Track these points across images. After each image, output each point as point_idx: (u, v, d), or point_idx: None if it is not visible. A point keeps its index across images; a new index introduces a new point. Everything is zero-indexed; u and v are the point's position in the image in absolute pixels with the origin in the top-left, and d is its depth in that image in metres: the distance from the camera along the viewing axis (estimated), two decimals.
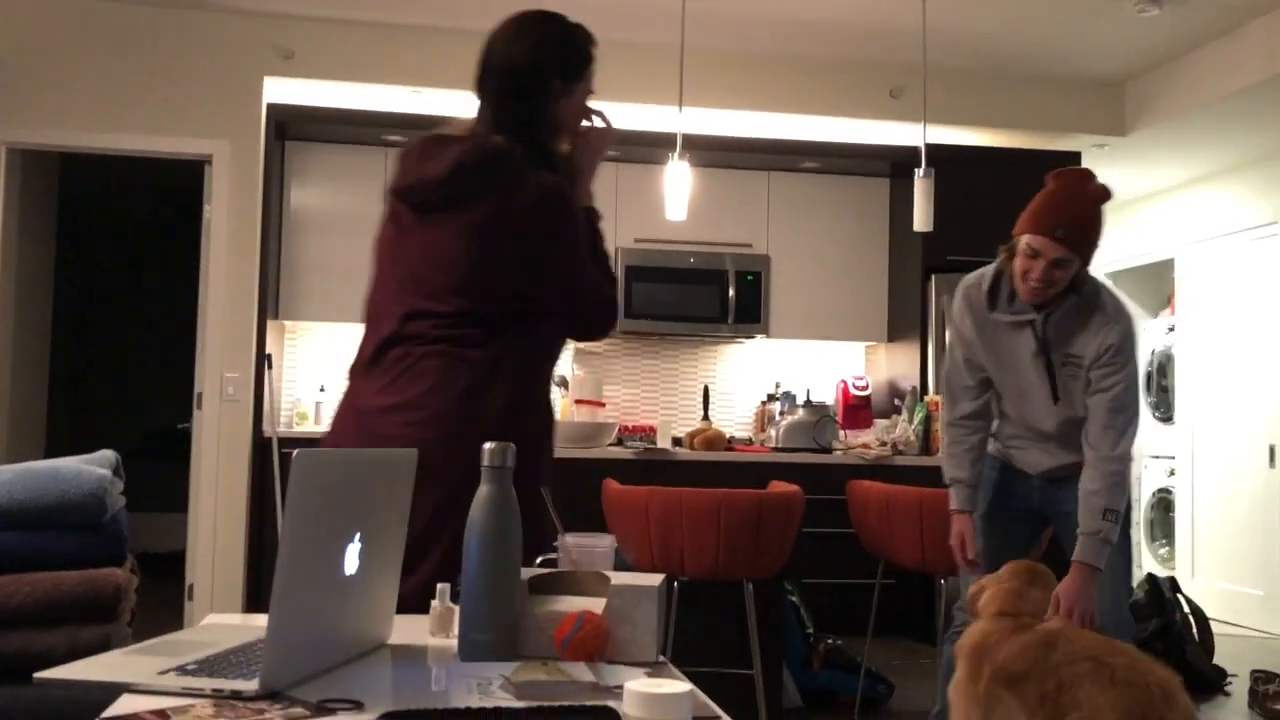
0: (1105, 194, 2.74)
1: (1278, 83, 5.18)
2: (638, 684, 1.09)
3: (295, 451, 1.22)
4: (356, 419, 2.00)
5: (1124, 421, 2.78)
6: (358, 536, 1.40)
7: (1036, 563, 2.47)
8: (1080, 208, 2.69)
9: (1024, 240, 2.72)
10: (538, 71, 2.02)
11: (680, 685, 1.09)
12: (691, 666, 3.30)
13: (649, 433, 5.72)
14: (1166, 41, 5.51)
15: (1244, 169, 6.71)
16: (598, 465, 3.98)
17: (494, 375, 1.95)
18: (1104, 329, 2.76)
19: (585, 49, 2.08)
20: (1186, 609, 5.08)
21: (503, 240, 1.95)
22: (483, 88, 2.05)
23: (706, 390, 6.17)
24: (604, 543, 1.73)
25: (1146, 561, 7.60)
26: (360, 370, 2.05)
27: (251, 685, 1.22)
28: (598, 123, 2.14)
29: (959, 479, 3.02)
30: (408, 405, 1.94)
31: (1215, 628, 5.18)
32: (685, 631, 3.73)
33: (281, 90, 5.64)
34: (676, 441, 5.84)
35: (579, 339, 2.11)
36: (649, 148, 6.00)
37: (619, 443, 4.97)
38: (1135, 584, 5.43)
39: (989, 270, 2.93)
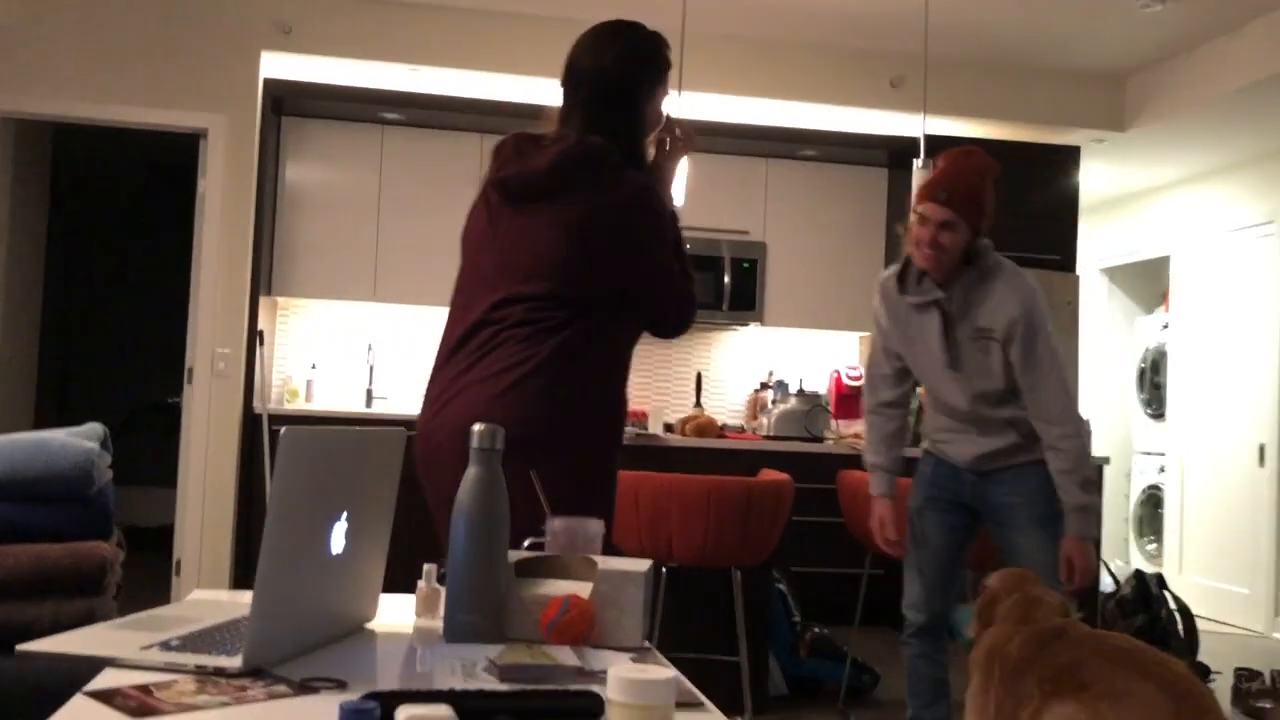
0: (990, 165, 2.89)
1: (1278, 82, 5.17)
2: (622, 669, 1.09)
3: (283, 429, 1.21)
4: (440, 398, 2.11)
5: (1058, 389, 2.84)
6: (344, 516, 1.39)
7: (1024, 570, 2.45)
8: (964, 176, 2.85)
9: (915, 209, 2.87)
10: (628, 78, 2.15)
11: (664, 671, 1.09)
12: (677, 652, 3.30)
13: (641, 418, 5.71)
14: (1169, 37, 5.49)
15: (1242, 167, 6.71)
16: None
17: (573, 358, 2.04)
18: (1006, 300, 2.85)
19: (664, 55, 2.21)
20: (1172, 605, 5.10)
21: (597, 232, 2.05)
22: (574, 94, 2.16)
23: (699, 377, 6.16)
24: (592, 527, 1.73)
25: (1134, 557, 7.62)
26: (444, 355, 2.14)
27: (235, 662, 1.21)
28: (678, 131, 2.27)
29: (877, 464, 3.15)
30: (488, 380, 2.03)
31: (1200, 625, 5.20)
32: (672, 617, 3.73)
33: (279, 65, 5.60)
34: (668, 428, 5.84)
35: (658, 332, 2.18)
36: None
37: None
38: (1123, 580, 5.45)
39: (902, 259, 3.05)
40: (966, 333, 2.90)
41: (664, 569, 3.68)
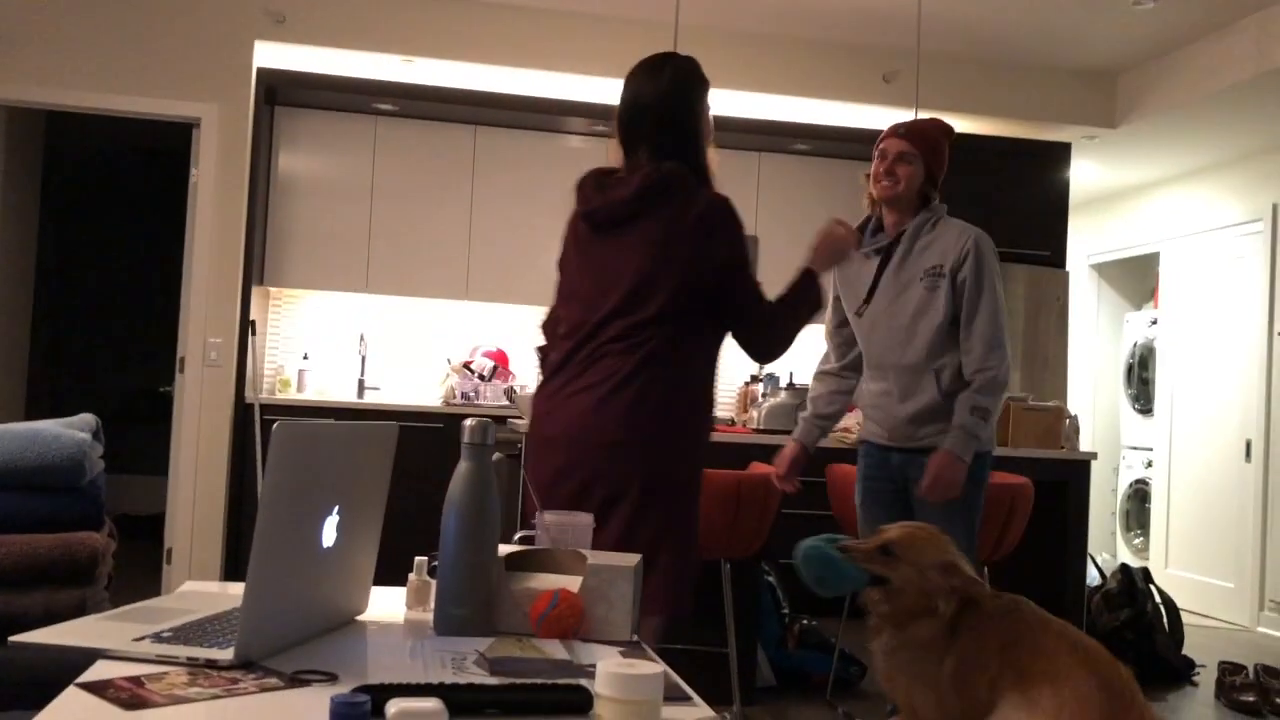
0: (949, 130, 3.07)
1: (1268, 80, 5.19)
2: (610, 664, 1.10)
3: (275, 423, 1.22)
4: (548, 409, 2.33)
5: (993, 320, 2.91)
6: (336, 510, 1.40)
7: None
8: (924, 125, 3.04)
9: (876, 149, 3.03)
10: (681, 104, 2.37)
11: (652, 666, 1.11)
12: (667, 644, 3.32)
13: None
14: (1160, 35, 5.51)
15: (1231, 165, 6.73)
16: None
17: (663, 367, 2.27)
18: (959, 238, 2.96)
19: (703, 74, 2.43)
20: (1158, 599, 5.14)
21: (680, 243, 2.28)
22: (636, 128, 2.37)
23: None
24: (583, 521, 1.75)
25: (1121, 551, 7.67)
26: (550, 371, 2.38)
27: (226, 655, 1.22)
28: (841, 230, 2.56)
29: (803, 414, 3.27)
30: (589, 390, 2.27)
31: (1186, 619, 5.24)
32: None
33: (272, 55, 5.60)
34: None
35: (751, 353, 2.40)
36: None
37: None
38: (1109, 574, 5.48)
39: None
40: (915, 274, 2.99)
41: None
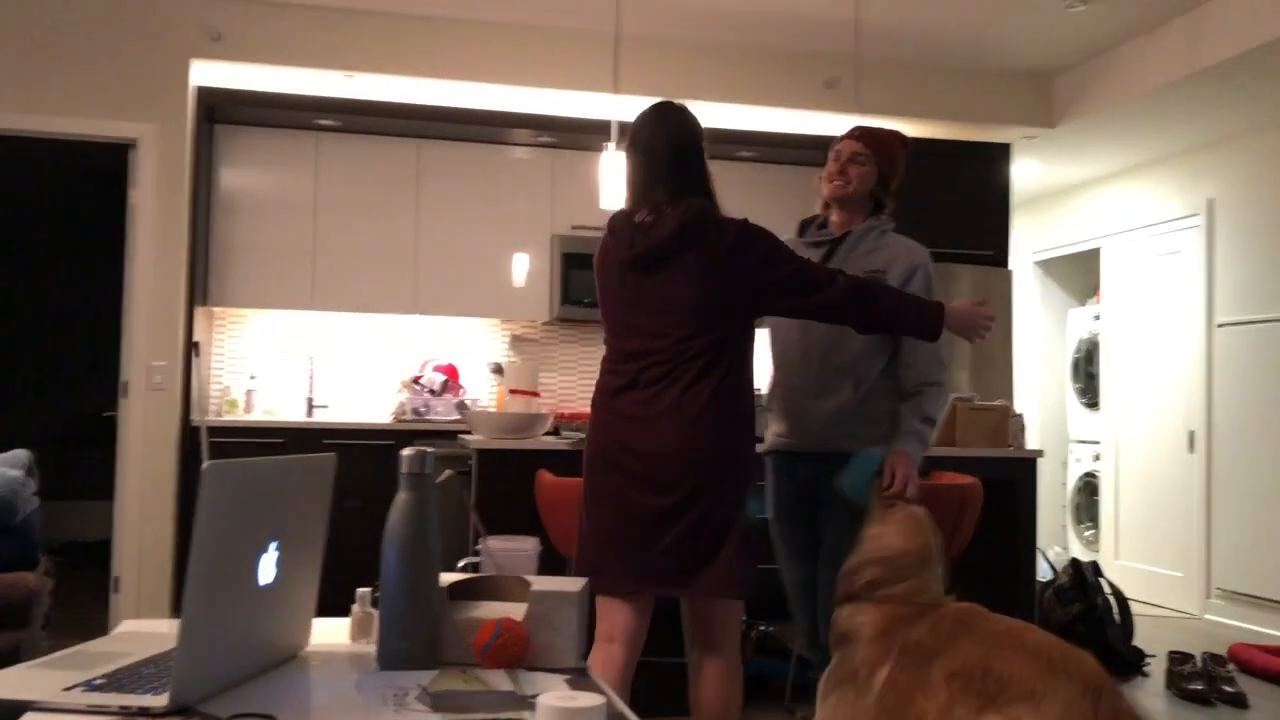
0: (906, 141, 3.08)
1: (1198, 79, 5.29)
2: (550, 697, 1.10)
3: (205, 464, 1.20)
4: (612, 423, 2.60)
5: (938, 349, 2.95)
6: (273, 545, 1.38)
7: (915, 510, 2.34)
8: (878, 130, 3.06)
9: (830, 151, 3.05)
10: (692, 141, 2.66)
11: (593, 698, 1.10)
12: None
13: (585, 420, 5.71)
14: (1093, 37, 5.60)
15: (1167, 162, 6.86)
16: (532, 456, 3.97)
17: (716, 387, 2.54)
18: (905, 253, 2.98)
19: (696, 119, 2.72)
20: (1108, 592, 5.21)
21: (718, 271, 2.56)
22: (651, 170, 2.63)
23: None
24: (528, 546, 1.74)
25: (1072, 544, 7.77)
26: (611, 393, 2.64)
27: (161, 701, 1.20)
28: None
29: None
30: (679, 408, 2.52)
31: (1136, 608, 5.32)
32: None
33: (210, 73, 5.52)
34: None
35: (842, 319, 2.64)
36: (584, 134, 5.98)
37: (555, 432, 4.96)
38: (1060, 569, 5.55)
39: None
40: (855, 273, 2.90)
41: None
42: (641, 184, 2.66)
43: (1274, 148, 6.05)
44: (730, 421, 2.57)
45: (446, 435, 5.54)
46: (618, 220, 2.70)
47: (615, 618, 2.61)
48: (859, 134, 3.03)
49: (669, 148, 2.64)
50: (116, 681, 1.28)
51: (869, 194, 3.03)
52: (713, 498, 2.53)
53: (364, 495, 5.16)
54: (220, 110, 5.69)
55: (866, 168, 2.99)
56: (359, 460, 5.41)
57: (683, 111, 2.70)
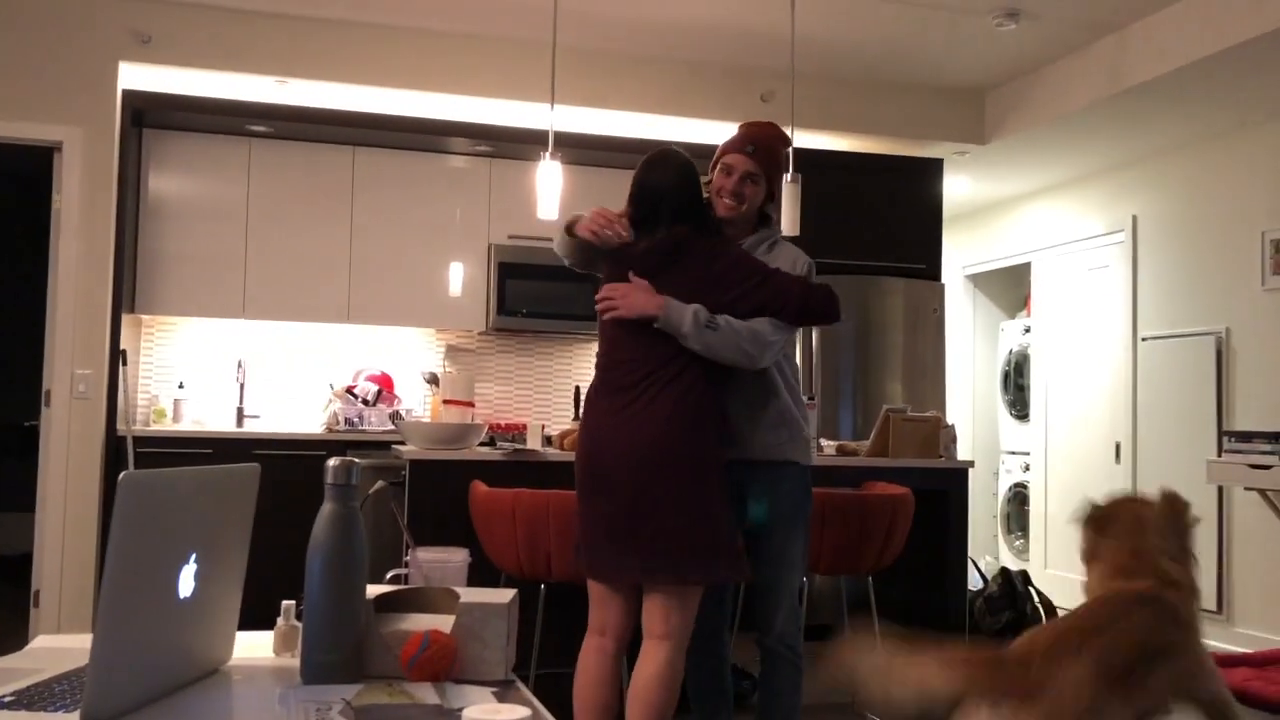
0: (787, 139, 3.07)
1: (1124, 98, 5.42)
2: (476, 710, 1.09)
3: (120, 475, 1.18)
4: (594, 423, 2.80)
5: (782, 334, 2.88)
6: (193, 558, 1.35)
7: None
8: (768, 138, 3.02)
9: (720, 160, 3.00)
10: (692, 184, 2.91)
11: (519, 710, 1.09)
12: (562, 668, 3.28)
13: (520, 431, 5.69)
14: (1023, 55, 5.72)
15: (1094, 178, 7.02)
16: (467, 467, 3.94)
17: (695, 398, 2.75)
18: (796, 259, 3.00)
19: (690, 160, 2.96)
20: (1037, 600, 5.30)
21: (712, 290, 2.79)
22: (653, 212, 2.88)
23: (578, 390, 6.16)
24: (457, 557, 1.72)
25: (1004, 554, 7.90)
26: (606, 397, 2.81)
27: (72, 718, 1.17)
28: None
29: None
30: (663, 415, 2.72)
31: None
32: (555, 634, 3.72)
33: (138, 76, 5.42)
34: (547, 441, 5.83)
35: (794, 316, 2.84)
36: (521, 144, 5.96)
37: (490, 442, 4.93)
38: (990, 577, 5.64)
39: None
40: None
41: (544, 586, 3.67)
42: (644, 221, 2.90)
43: (1194, 166, 6.22)
44: (699, 421, 2.74)
45: (380, 445, 5.48)
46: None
47: (604, 610, 2.82)
48: (751, 150, 2.96)
49: (672, 194, 2.89)
50: (26, 698, 1.24)
51: (758, 209, 3.04)
52: (687, 492, 2.70)
53: (295, 506, 5.08)
54: (149, 114, 5.58)
55: (759, 186, 2.97)
56: (291, 470, 5.32)
57: (683, 157, 2.95)
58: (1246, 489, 5.56)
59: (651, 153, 2.98)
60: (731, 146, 2.99)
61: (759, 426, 2.98)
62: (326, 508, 1.46)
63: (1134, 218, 6.65)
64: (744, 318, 2.80)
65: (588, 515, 2.81)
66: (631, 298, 2.80)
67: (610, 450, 2.74)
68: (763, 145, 2.97)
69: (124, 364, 5.38)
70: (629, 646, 2.86)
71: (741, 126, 3.06)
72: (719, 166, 2.99)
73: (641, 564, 2.71)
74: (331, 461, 1.46)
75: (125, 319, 5.47)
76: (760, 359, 2.81)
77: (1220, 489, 5.88)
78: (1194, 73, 5.04)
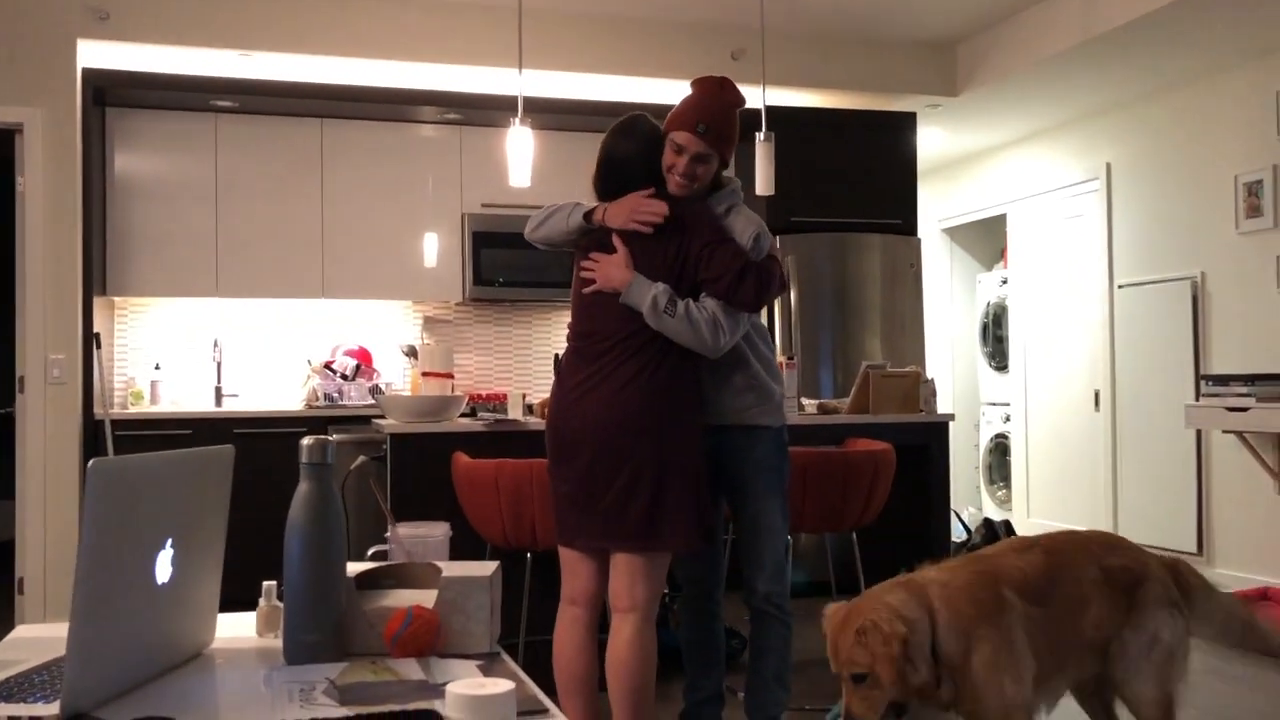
0: (740, 100, 2.95)
1: (1093, 46, 5.41)
2: (459, 685, 1.08)
3: (90, 461, 1.16)
4: (562, 394, 2.85)
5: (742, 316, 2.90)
6: (169, 543, 1.34)
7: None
8: (720, 109, 2.90)
9: (670, 137, 2.89)
10: (655, 153, 2.90)
11: (502, 684, 1.08)
12: (550, 635, 3.30)
13: (501, 401, 5.67)
14: (993, 5, 5.68)
15: (1067, 127, 7.01)
16: (448, 439, 3.93)
17: (677, 362, 2.80)
18: (749, 223, 2.92)
19: (658, 127, 2.95)
20: None
21: (674, 260, 2.83)
22: (618, 179, 2.91)
23: (557, 358, 6.14)
24: (438, 532, 1.71)
25: (986, 504, 7.96)
26: (580, 362, 2.84)
27: (52, 709, 1.16)
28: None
29: None
30: (628, 382, 2.75)
31: None
32: (540, 602, 3.73)
33: (98, 54, 5.32)
34: (528, 410, 5.81)
35: (733, 303, 2.81)
36: (491, 111, 5.90)
37: (471, 413, 4.92)
38: (974, 528, 5.69)
39: None
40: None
41: (530, 554, 3.68)
42: (609, 191, 2.93)
43: (1165, 113, 6.22)
44: (660, 391, 2.76)
45: (360, 420, 5.45)
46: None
47: (576, 577, 2.85)
48: (704, 130, 2.84)
49: (636, 161, 2.90)
50: (5, 690, 1.23)
51: (710, 181, 2.96)
52: (645, 460, 2.72)
53: (277, 483, 5.06)
54: (111, 93, 5.49)
55: (711, 164, 2.90)
56: (271, 448, 5.30)
57: (649, 125, 2.94)
58: (1224, 432, 5.62)
59: (618, 121, 2.97)
60: (683, 122, 2.85)
61: (725, 392, 3.00)
62: (303, 487, 1.44)
63: (1108, 165, 6.65)
64: (704, 284, 2.82)
65: (557, 482, 2.85)
66: (607, 270, 2.81)
67: (579, 418, 2.76)
68: (713, 123, 2.85)
69: (98, 347, 5.33)
70: (602, 613, 2.89)
71: (693, 86, 2.92)
72: (669, 142, 2.88)
73: (604, 529, 2.74)
74: (306, 440, 1.45)
75: (97, 301, 5.41)
76: (716, 348, 2.81)
77: (1199, 432, 5.93)
78: (1159, 20, 5.02)
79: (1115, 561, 2.47)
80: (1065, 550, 2.45)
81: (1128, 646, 2.43)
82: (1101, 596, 2.41)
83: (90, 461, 1.15)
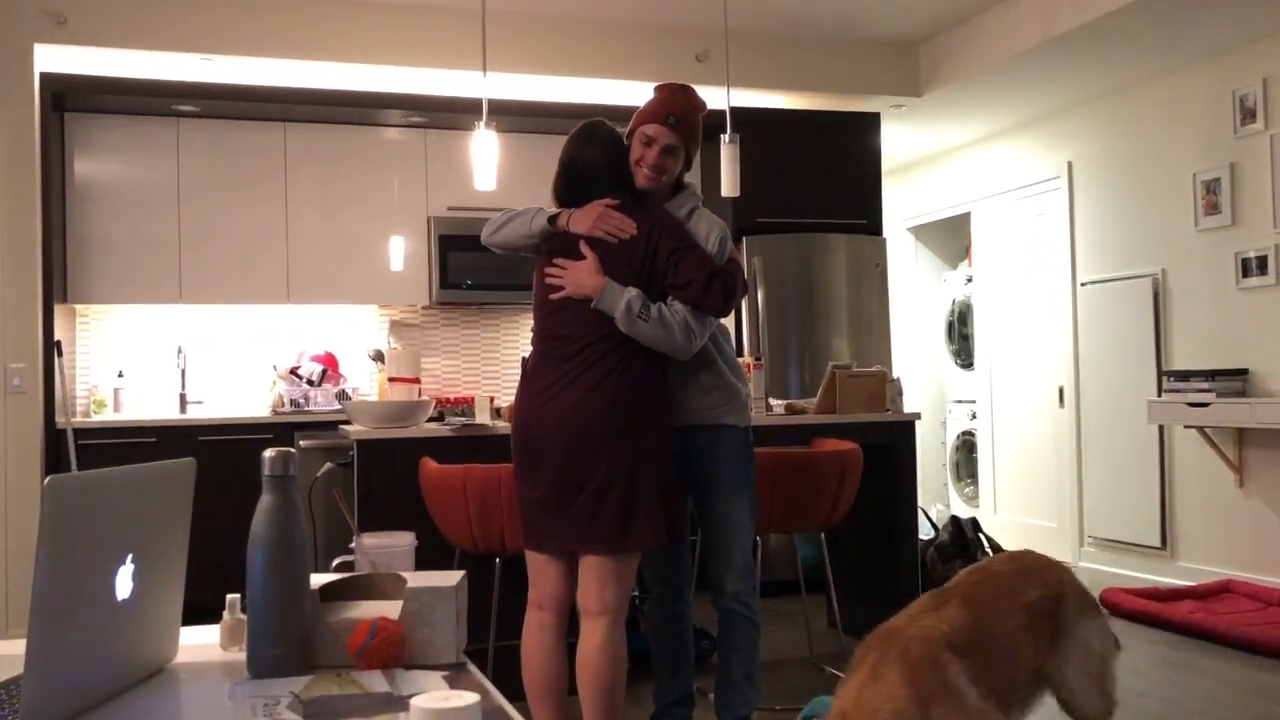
0: (703, 105, 3.01)
1: (1053, 46, 5.46)
2: (424, 699, 1.08)
3: (47, 479, 1.14)
4: (526, 398, 2.86)
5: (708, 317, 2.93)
6: (129, 558, 1.33)
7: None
8: (687, 107, 2.97)
9: (640, 130, 2.94)
10: (620, 159, 2.93)
11: (468, 696, 1.08)
12: (517, 639, 3.30)
13: (469, 404, 5.66)
14: (954, 6, 5.73)
15: (1029, 127, 7.08)
16: (415, 445, 3.91)
17: (645, 364, 2.82)
18: (712, 226, 2.96)
19: (620, 134, 2.98)
20: (987, 546, 5.39)
21: (635, 263, 2.84)
22: (592, 185, 2.90)
23: (524, 361, 6.13)
24: (403, 542, 1.71)
25: (954, 501, 8.02)
26: (547, 365, 2.84)
27: None
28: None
29: None
30: (577, 388, 2.77)
31: None
32: (511, 607, 3.72)
33: (56, 58, 5.26)
34: (496, 414, 5.80)
35: (703, 308, 2.84)
36: (456, 114, 5.89)
37: (439, 417, 4.90)
38: (941, 526, 5.73)
39: None
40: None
41: (498, 560, 3.67)
42: (572, 199, 2.93)
43: (1125, 112, 6.29)
44: (630, 394, 2.77)
45: (327, 426, 5.42)
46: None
47: (543, 581, 2.86)
48: (674, 122, 2.90)
49: (599, 168, 2.91)
50: None
51: (675, 179, 3.01)
52: (617, 463, 2.73)
53: (243, 491, 5.02)
54: (70, 98, 5.43)
55: (678, 159, 2.95)
56: (237, 455, 5.26)
57: (612, 133, 2.95)
58: (1186, 427, 5.69)
59: (578, 128, 2.97)
60: (652, 116, 2.92)
61: (690, 392, 3.02)
62: (265, 500, 1.43)
63: (1069, 164, 6.72)
64: (672, 288, 2.84)
65: (524, 487, 2.84)
66: (576, 275, 2.82)
67: (547, 422, 2.77)
68: (683, 117, 2.93)
69: (59, 355, 5.27)
70: (569, 617, 2.89)
71: (658, 90, 2.99)
72: (638, 135, 2.93)
73: (576, 532, 2.74)
74: (268, 453, 1.44)
75: (58, 309, 5.35)
76: (688, 351, 2.86)
77: (1161, 428, 6.00)
78: (1116, 20, 5.08)
79: (1033, 595, 2.43)
80: (983, 599, 2.37)
81: (1064, 671, 2.42)
82: (1029, 636, 2.37)
83: (46, 479, 1.14)
